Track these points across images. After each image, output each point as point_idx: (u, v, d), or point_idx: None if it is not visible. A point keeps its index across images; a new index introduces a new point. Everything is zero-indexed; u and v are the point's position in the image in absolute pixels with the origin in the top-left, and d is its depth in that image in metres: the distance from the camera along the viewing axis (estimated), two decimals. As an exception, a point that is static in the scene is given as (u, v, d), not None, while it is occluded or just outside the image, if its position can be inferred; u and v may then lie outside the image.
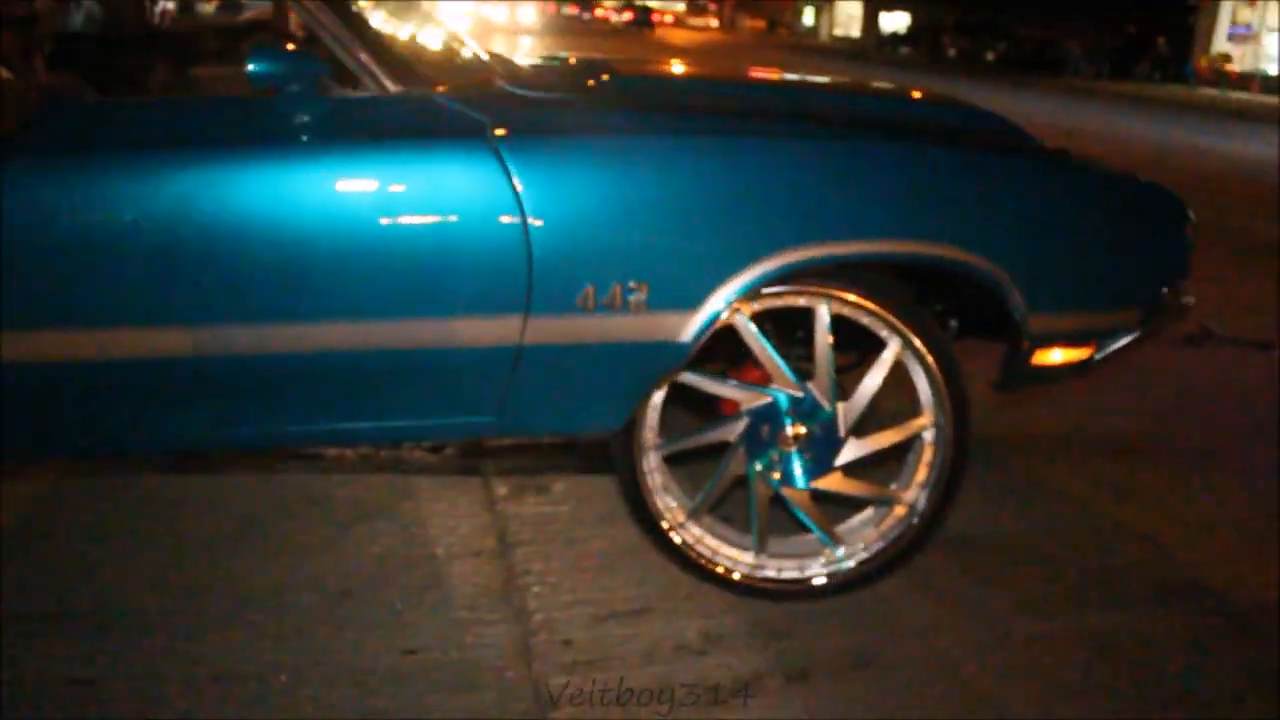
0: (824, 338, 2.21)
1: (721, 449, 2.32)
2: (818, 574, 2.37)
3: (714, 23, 65.89)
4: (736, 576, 2.35)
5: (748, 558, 2.36)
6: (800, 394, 2.25)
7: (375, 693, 2.03)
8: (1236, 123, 19.19)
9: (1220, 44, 33.29)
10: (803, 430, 2.27)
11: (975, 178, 2.21)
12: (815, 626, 2.30)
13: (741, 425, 2.28)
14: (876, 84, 3.14)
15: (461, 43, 2.73)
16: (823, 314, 2.19)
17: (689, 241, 2.01)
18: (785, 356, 2.27)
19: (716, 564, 2.35)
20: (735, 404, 2.30)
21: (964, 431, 2.29)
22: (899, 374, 2.30)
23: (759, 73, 3.28)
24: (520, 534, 2.62)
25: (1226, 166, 12.09)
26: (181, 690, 2.01)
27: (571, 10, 63.73)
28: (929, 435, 2.32)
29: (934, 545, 2.60)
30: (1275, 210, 8.86)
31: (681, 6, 72.01)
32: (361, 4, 2.23)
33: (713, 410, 2.44)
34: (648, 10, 56.25)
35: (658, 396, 2.24)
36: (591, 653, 2.17)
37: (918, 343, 2.22)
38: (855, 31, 52.79)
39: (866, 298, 2.17)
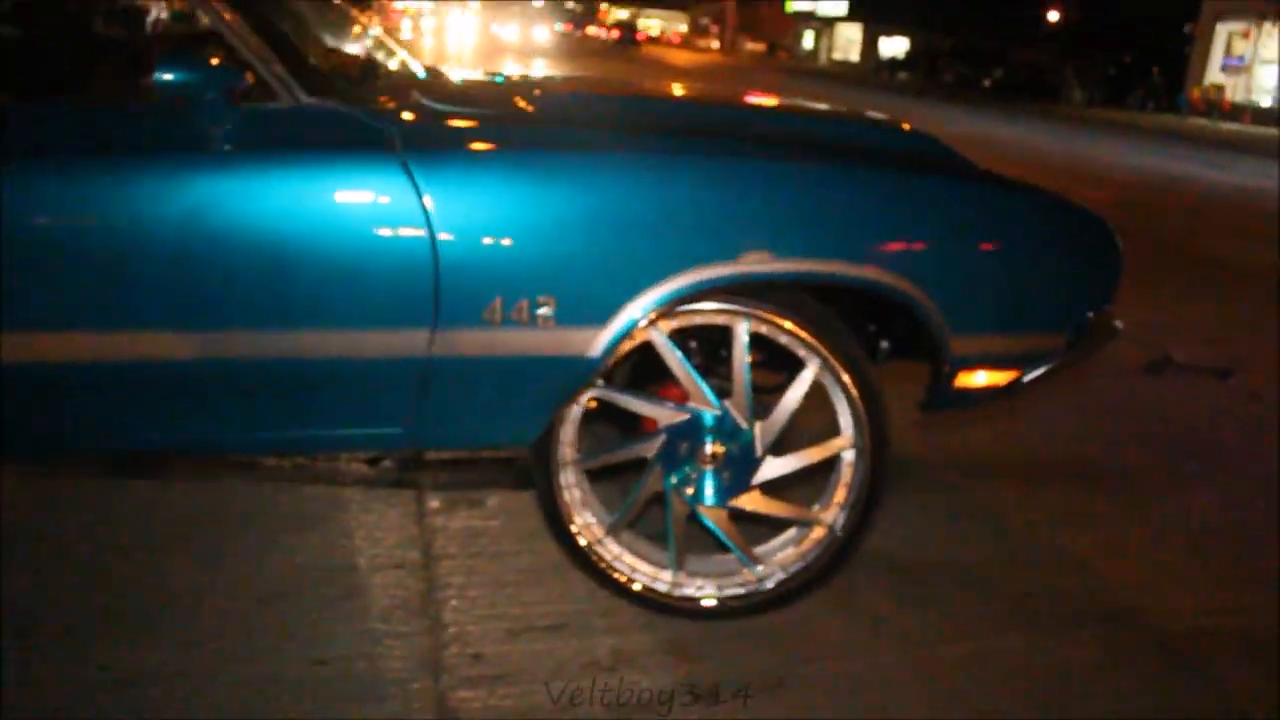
0: (741, 356, 2.21)
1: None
2: (736, 593, 2.37)
3: (715, 44, 66.51)
4: (654, 594, 2.35)
5: (666, 575, 2.35)
6: (718, 412, 2.25)
7: (276, 701, 2.02)
8: (1226, 153, 19.28)
9: (1214, 75, 33.47)
10: (720, 448, 2.27)
11: (893, 198, 2.21)
12: (730, 646, 2.29)
13: (659, 442, 2.27)
14: (811, 105, 3.15)
15: (396, 57, 2.74)
16: (740, 332, 2.20)
17: (598, 257, 2.01)
18: (710, 374, 2.27)
19: (634, 581, 2.35)
20: (655, 421, 2.30)
21: (883, 452, 2.29)
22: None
23: (692, 92, 3.29)
24: (447, 547, 2.62)
25: (1211, 194, 12.14)
26: (80, 695, 2.00)
27: (566, 28, 64.86)
28: (848, 455, 2.31)
29: (862, 567, 2.61)
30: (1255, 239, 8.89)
31: (684, 28, 72.59)
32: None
33: (637, 428, 2.44)
34: (633, 29, 60.97)
35: (575, 411, 2.24)
36: (500, 667, 2.17)
37: (836, 363, 2.22)
38: (854, 56, 53.08)
39: (784, 317, 2.17)
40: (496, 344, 2.01)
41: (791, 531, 2.41)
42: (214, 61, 1.89)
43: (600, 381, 2.23)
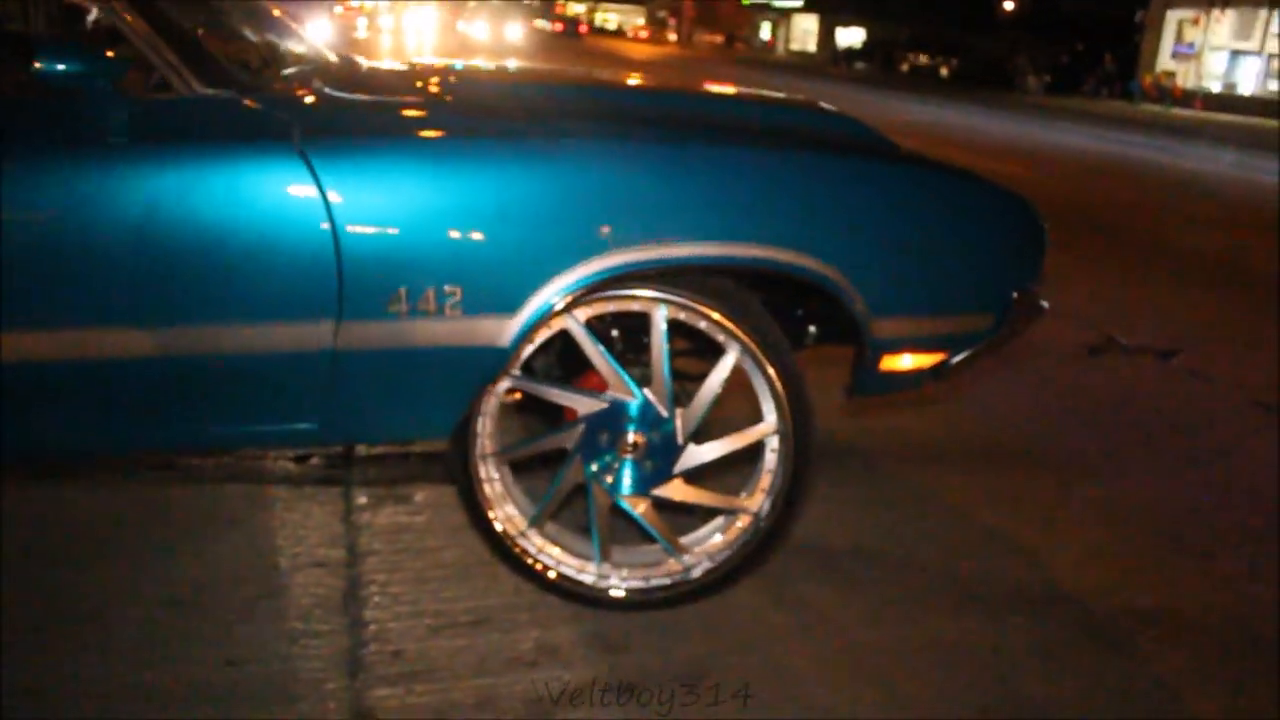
0: (659, 343, 2.17)
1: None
2: (662, 584, 2.33)
3: (672, 37, 66.80)
4: (579, 587, 2.31)
5: (591, 568, 2.32)
6: (638, 400, 2.21)
7: (183, 703, 1.97)
8: (1176, 138, 19.49)
9: (1165, 62, 33.85)
10: (640, 437, 2.23)
11: (808, 179, 2.18)
12: (654, 638, 2.26)
13: (578, 432, 2.23)
14: (727, 89, 3.12)
15: (306, 46, 2.68)
16: (658, 319, 2.16)
17: (504, 245, 1.96)
18: (638, 364, 2.24)
19: (558, 574, 2.31)
20: (575, 411, 2.26)
21: (806, 439, 2.26)
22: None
23: (607, 77, 3.25)
24: (371, 544, 2.57)
25: (1160, 178, 12.26)
26: (-22, 707, 1.94)
27: (542, 26, 65.55)
28: (772, 442, 2.28)
29: (794, 555, 2.59)
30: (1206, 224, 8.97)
31: (641, 21, 72.82)
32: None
33: (561, 418, 2.40)
34: (576, 23, 65.32)
35: (493, 402, 2.20)
36: (420, 664, 2.12)
37: (756, 349, 2.19)
38: (811, 46, 53.21)
39: (701, 303, 2.14)
40: (403, 335, 1.96)
41: (718, 520, 2.38)
42: (104, 52, 1.82)
43: (517, 372, 2.19)
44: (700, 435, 2.29)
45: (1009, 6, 40.94)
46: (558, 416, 2.41)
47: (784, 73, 34.82)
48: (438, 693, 2.05)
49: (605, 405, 2.21)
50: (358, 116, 2.10)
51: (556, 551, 2.33)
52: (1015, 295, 2.41)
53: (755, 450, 2.32)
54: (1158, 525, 3.01)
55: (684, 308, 2.15)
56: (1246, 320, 5.68)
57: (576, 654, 2.19)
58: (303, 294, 1.91)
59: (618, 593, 2.32)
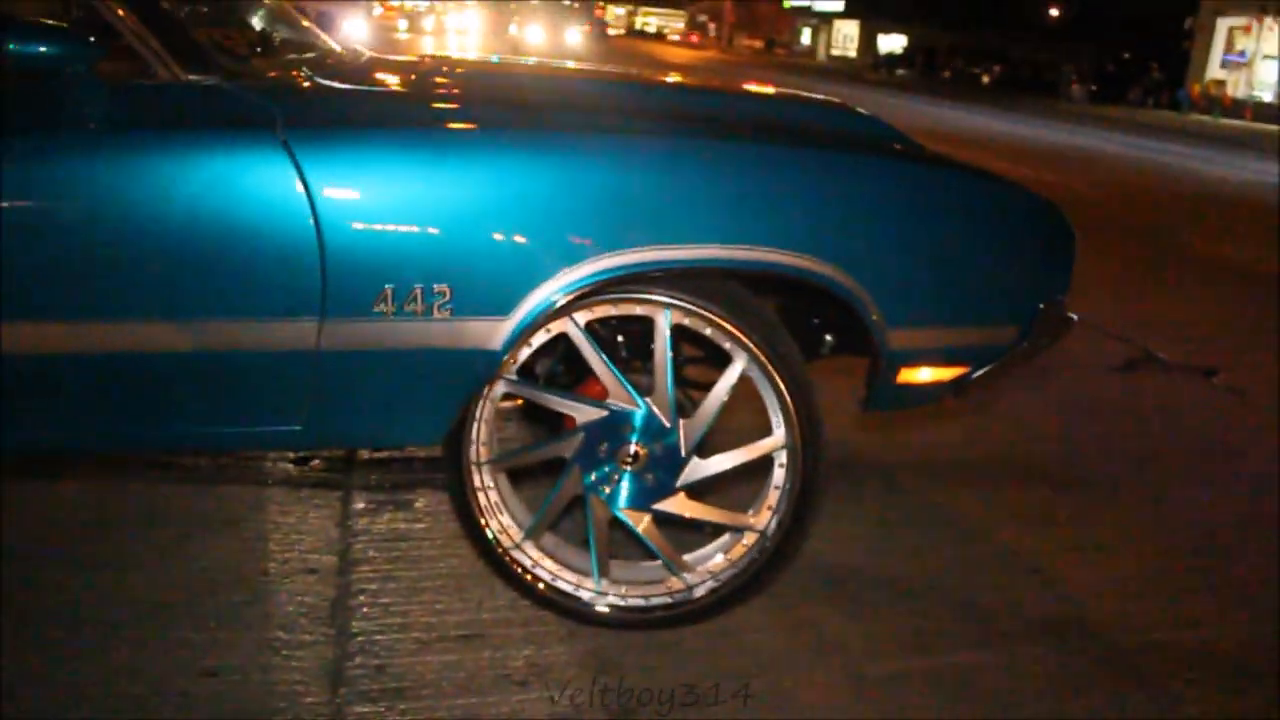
0: (663, 349, 2.06)
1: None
2: (664, 603, 2.23)
3: (695, 39, 67.72)
4: (575, 603, 2.21)
5: (588, 584, 2.22)
6: (639, 409, 2.11)
7: (156, 714, 1.89)
8: (1225, 149, 19.13)
9: (1214, 71, 33.29)
10: (642, 448, 2.13)
11: (820, 179, 2.07)
12: (652, 659, 2.16)
13: (577, 441, 2.13)
14: (747, 85, 3.00)
15: (309, 35, 2.60)
16: (661, 324, 2.05)
17: (496, 244, 1.86)
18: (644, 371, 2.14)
19: (553, 589, 2.21)
20: (574, 419, 2.16)
21: (816, 454, 2.14)
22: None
23: (621, 71, 3.14)
24: (366, 551, 2.48)
25: (1205, 189, 11.99)
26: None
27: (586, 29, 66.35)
28: (780, 457, 2.17)
29: (806, 575, 2.48)
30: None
31: (681, 25, 73.14)
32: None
33: (561, 426, 2.30)
34: (604, 25, 68.42)
35: (488, 408, 2.11)
36: (404, 680, 2.03)
37: (764, 358, 2.08)
38: (852, 52, 52.92)
39: (707, 308, 2.03)
40: (390, 336, 1.87)
41: (723, 538, 2.27)
42: (82, 35, 1.74)
43: (514, 376, 2.10)
44: (706, 448, 2.19)
45: (1054, 13, 40.47)
46: (557, 425, 2.32)
47: (823, 78, 34.56)
48: (420, 711, 1.95)
49: (605, 414, 2.11)
50: (346, 106, 2.01)
51: (552, 565, 2.23)
52: (1042, 306, 2.29)
53: (763, 465, 2.21)
54: (1191, 554, 2.87)
55: (689, 313, 2.05)
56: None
57: (568, 674, 2.09)
58: (285, 291, 1.82)
59: (616, 611, 2.22)
